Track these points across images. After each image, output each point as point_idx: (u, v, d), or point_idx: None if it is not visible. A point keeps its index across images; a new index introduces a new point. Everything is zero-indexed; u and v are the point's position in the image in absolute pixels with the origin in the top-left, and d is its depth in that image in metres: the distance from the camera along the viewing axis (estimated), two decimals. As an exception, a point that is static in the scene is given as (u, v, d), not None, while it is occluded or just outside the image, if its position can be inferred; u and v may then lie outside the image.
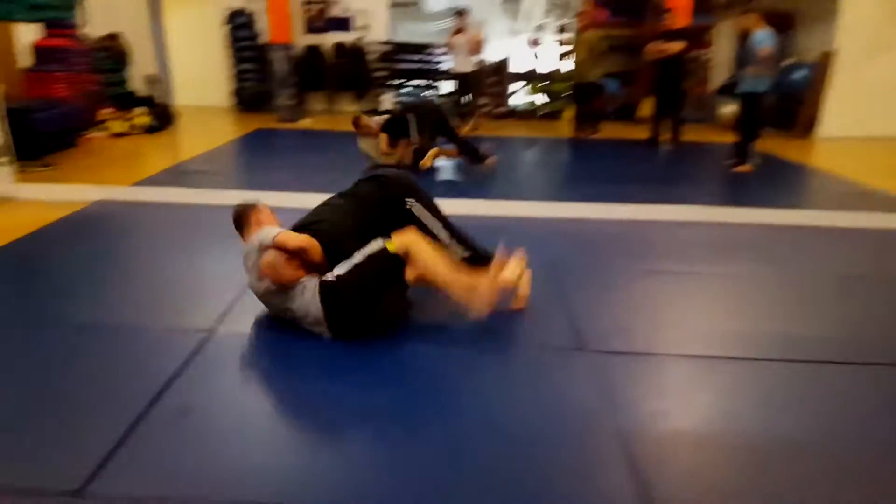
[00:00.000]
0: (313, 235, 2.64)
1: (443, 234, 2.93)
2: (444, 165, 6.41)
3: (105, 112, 7.87)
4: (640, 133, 8.39)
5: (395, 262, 2.54)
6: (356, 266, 2.54)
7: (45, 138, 6.17)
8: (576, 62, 8.71)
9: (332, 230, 2.73)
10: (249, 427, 2.07)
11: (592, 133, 8.64)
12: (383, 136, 5.95)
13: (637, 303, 3.15)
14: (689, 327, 2.89)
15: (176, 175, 5.74)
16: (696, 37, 8.97)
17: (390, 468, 1.87)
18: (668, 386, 2.40)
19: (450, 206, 4.57)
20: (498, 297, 2.63)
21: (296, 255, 2.58)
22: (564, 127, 9.61)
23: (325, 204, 2.98)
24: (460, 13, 8.59)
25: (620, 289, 3.34)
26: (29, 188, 4.87)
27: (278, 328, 2.69)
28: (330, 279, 2.54)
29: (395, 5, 11.16)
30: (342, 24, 10.63)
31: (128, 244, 3.99)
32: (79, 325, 2.72)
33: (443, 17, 11.55)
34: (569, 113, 10.34)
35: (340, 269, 2.55)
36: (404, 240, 2.56)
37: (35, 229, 4.02)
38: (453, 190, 5.40)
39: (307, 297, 2.55)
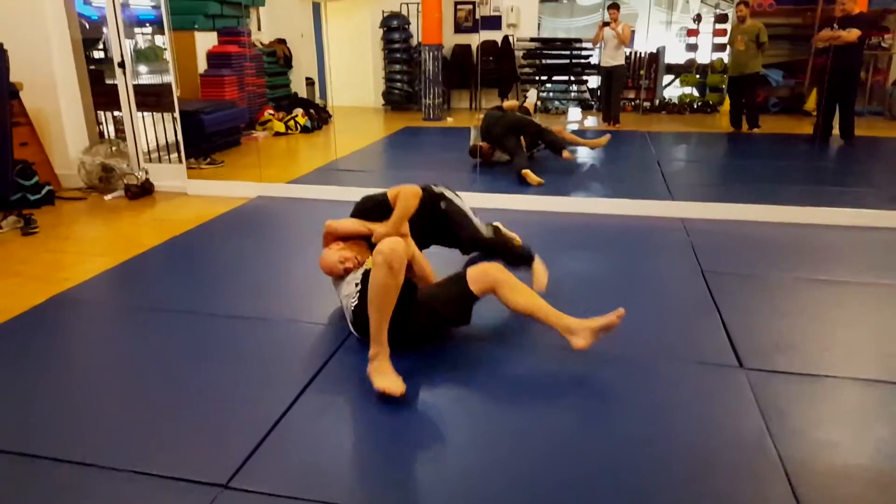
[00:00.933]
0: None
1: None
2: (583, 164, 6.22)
3: (267, 113, 8.42)
4: (806, 128, 7.69)
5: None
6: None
7: (212, 137, 6.70)
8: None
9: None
10: (390, 432, 2.04)
11: (751, 129, 8.01)
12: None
13: (802, 316, 2.84)
14: (863, 346, 2.55)
15: (328, 173, 6.01)
16: (874, 23, 8.06)
17: (541, 483, 1.77)
18: (838, 413, 2.13)
19: (594, 207, 4.58)
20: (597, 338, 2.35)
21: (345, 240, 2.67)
22: (720, 121, 9.02)
23: None
24: (614, 6, 8.29)
25: (782, 299, 3.02)
26: (197, 184, 5.30)
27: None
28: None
29: (544, 1, 11.02)
30: (492, 22, 10.67)
31: (282, 237, 4.21)
32: (234, 315, 2.86)
33: (593, 12, 11.24)
34: (725, 106, 9.72)
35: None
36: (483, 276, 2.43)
37: (202, 222, 4.36)
38: (587, 189, 5.22)
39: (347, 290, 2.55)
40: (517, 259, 3.05)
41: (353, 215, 2.89)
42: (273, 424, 2.03)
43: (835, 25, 6.87)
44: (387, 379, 2.14)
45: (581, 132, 8.25)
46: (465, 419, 2.10)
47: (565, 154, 5.77)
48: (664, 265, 3.57)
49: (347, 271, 2.60)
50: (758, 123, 8.08)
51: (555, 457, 1.88)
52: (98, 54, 6.40)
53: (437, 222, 3.09)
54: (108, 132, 5.88)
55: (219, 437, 1.98)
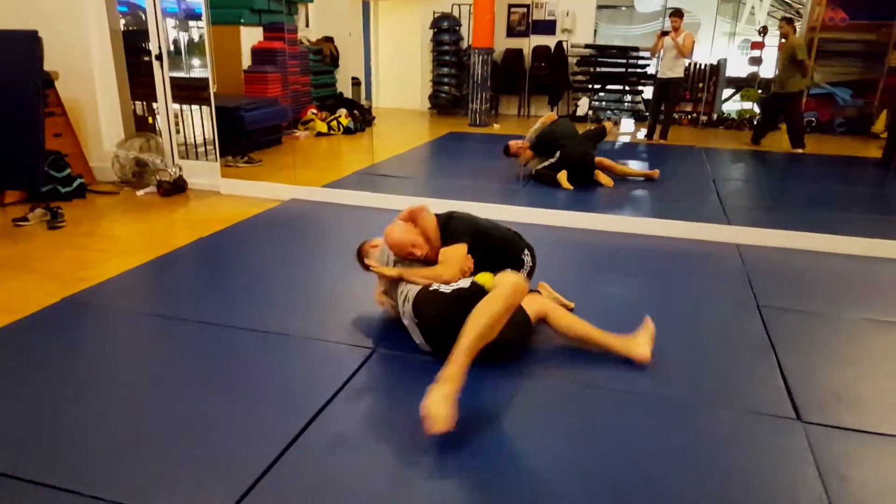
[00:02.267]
0: None
1: None
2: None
3: (310, 112, 8.27)
4: (874, 151, 7.22)
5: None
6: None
7: (252, 135, 6.55)
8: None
9: None
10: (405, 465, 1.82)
11: (794, 148, 7.61)
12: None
13: (869, 363, 2.55)
14: None
15: (367, 178, 5.79)
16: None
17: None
18: None
19: (643, 227, 4.27)
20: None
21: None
22: (781, 139, 8.56)
23: None
24: (677, 13, 7.88)
25: (847, 343, 2.72)
26: (231, 183, 5.13)
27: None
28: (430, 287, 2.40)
29: (602, 7, 10.65)
30: (545, 27, 10.34)
31: (310, 245, 3.99)
32: (253, 329, 2.67)
33: (653, 20, 10.84)
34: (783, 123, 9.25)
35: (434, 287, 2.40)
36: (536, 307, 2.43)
37: (231, 224, 4.19)
38: (636, 208, 4.89)
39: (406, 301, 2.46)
40: None
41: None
42: (278, 455, 1.85)
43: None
44: (444, 408, 1.86)
45: (633, 145, 7.89)
46: (489, 463, 1.86)
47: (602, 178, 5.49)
48: (716, 296, 3.27)
49: (410, 257, 2.56)
50: (802, 143, 7.63)
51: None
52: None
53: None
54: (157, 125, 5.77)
55: (218, 467, 1.80)
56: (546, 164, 5.51)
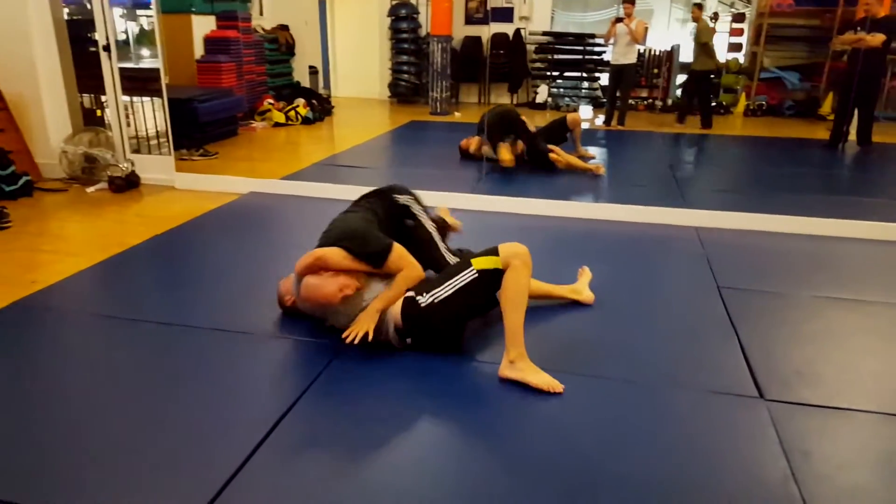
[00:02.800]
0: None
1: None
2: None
3: (267, 102, 8.10)
4: (821, 132, 7.44)
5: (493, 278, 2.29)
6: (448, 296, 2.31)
7: (207, 127, 6.38)
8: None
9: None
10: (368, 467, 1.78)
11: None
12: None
13: (826, 340, 2.61)
14: (894, 377, 2.32)
15: (327, 169, 5.70)
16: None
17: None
18: (869, 454, 1.89)
19: (601, 213, 4.29)
20: None
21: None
22: (735, 122, 8.73)
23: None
24: (629, 0, 7.94)
25: (805, 321, 2.78)
26: (187, 177, 4.99)
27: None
28: (419, 301, 2.32)
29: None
30: (503, 14, 10.32)
31: (272, 239, 3.90)
32: (215, 328, 2.60)
33: (607, 7, 10.89)
34: (739, 108, 9.45)
35: (428, 297, 2.32)
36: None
37: (188, 220, 4.08)
38: (594, 193, 4.92)
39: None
40: None
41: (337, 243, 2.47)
42: (246, 458, 1.80)
43: (857, 28, 6.56)
44: (544, 376, 2.17)
45: (592, 131, 7.94)
46: (462, 454, 1.87)
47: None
48: (677, 279, 3.33)
49: (345, 300, 2.34)
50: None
51: (556, 498, 1.67)
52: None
53: (400, 238, 2.64)
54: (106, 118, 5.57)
55: (182, 473, 1.74)
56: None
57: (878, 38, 6.38)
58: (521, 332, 2.20)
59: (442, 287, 2.32)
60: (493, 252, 2.28)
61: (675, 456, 1.86)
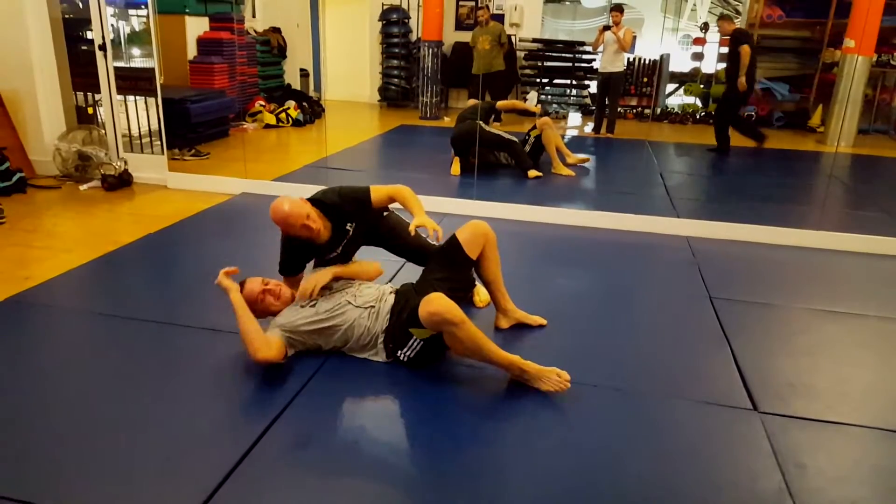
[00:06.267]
0: None
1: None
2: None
3: (258, 104, 8.13)
4: (812, 145, 7.58)
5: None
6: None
7: (199, 127, 6.40)
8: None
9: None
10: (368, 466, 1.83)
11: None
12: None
13: (819, 352, 2.65)
14: (886, 391, 2.36)
15: (318, 171, 5.75)
16: (886, 40, 7.93)
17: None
18: (862, 469, 1.92)
19: (592, 221, 4.33)
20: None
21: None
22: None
23: None
24: (617, 8, 8.05)
25: (797, 333, 2.83)
26: (179, 177, 5.02)
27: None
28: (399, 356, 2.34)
29: (548, 1, 10.77)
30: (494, 20, 10.37)
31: (262, 240, 3.91)
32: (203, 328, 2.63)
33: (597, 15, 11.02)
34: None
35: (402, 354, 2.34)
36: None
37: (180, 219, 4.11)
38: (584, 201, 4.99)
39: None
40: None
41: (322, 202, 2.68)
42: (238, 460, 1.82)
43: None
44: (553, 382, 2.20)
45: (581, 139, 8.03)
46: (453, 458, 1.89)
47: (531, 174, 5.50)
48: (669, 288, 3.36)
49: (305, 233, 2.51)
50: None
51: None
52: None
53: (378, 228, 2.79)
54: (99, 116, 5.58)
55: (175, 473, 1.77)
56: None
57: None
58: (498, 356, 2.20)
59: (407, 346, 2.32)
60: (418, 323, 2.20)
61: (670, 467, 1.88)
